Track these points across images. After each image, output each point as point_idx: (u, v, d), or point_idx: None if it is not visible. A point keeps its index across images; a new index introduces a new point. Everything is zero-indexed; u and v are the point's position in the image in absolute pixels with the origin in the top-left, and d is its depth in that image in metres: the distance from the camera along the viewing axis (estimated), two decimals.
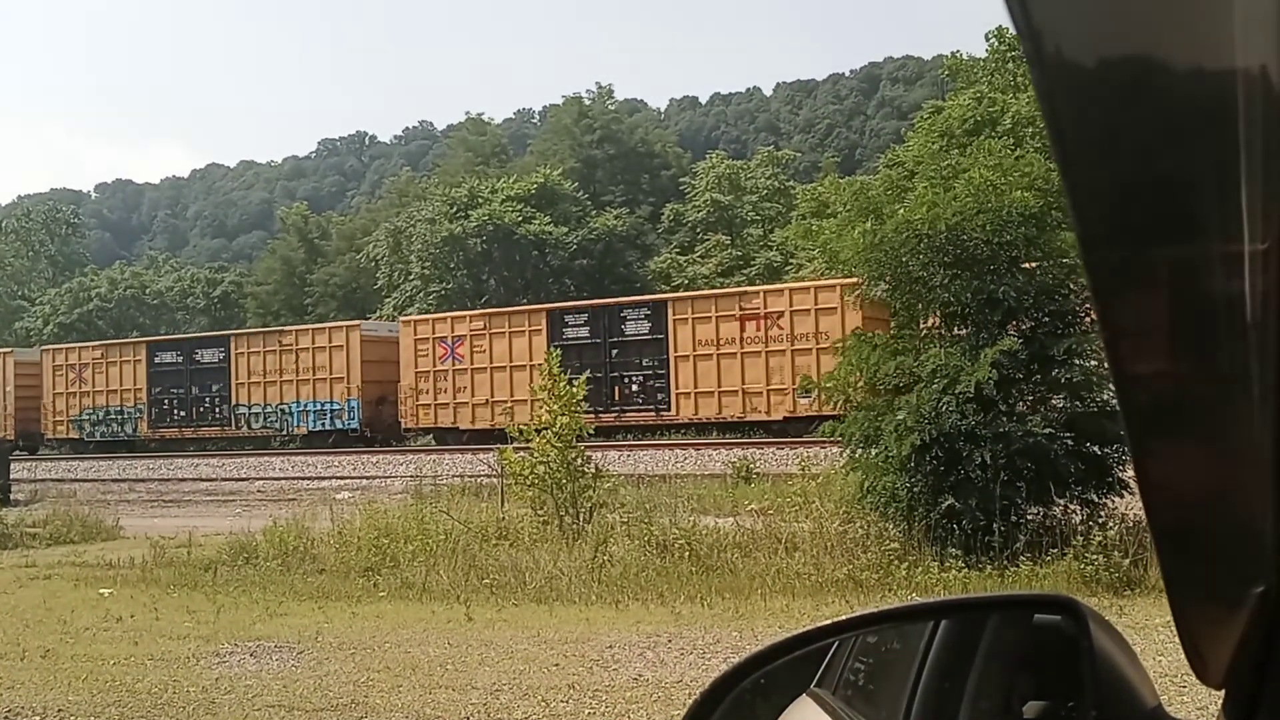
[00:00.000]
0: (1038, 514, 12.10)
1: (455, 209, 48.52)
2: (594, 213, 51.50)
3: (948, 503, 11.78)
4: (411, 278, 50.47)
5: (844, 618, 2.07)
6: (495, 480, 18.25)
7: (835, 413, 29.87)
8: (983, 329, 12.34)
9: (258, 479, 30.81)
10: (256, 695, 8.19)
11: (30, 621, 11.46)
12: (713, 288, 38.85)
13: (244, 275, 70.95)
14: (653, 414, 31.31)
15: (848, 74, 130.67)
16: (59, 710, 8.01)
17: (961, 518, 11.75)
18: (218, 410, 38.30)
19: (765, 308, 29.53)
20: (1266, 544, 0.84)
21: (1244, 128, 0.73)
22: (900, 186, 13.95)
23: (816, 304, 28.70)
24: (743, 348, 29.38)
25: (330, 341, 36.47)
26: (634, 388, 31.38)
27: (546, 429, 14.98)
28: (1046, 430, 11.68)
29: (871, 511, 12.66)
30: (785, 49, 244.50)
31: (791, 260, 40.51)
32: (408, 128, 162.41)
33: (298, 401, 36.56)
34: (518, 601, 11.67)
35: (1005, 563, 11.23)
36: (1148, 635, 6.93)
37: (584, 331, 32.32)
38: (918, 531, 12.08)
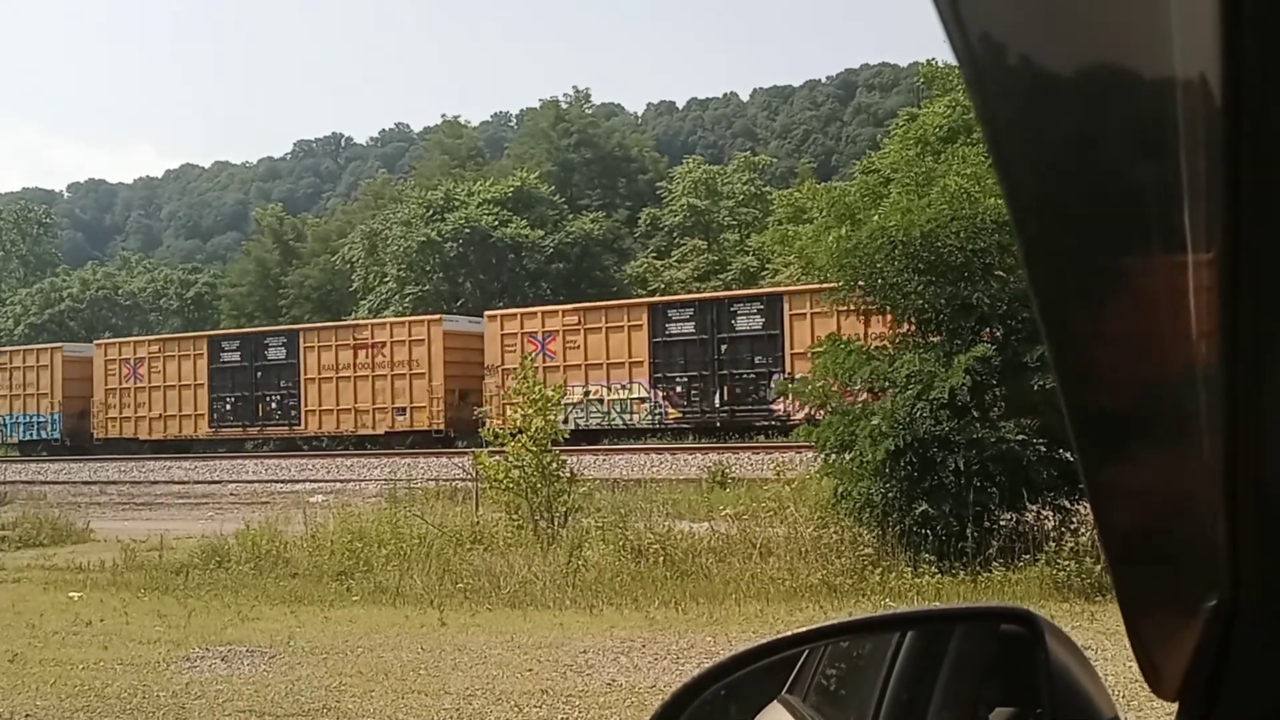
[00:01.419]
0: (1010, 520, 12.16)
1: (431, 212, 48.42)
2: (571, 216, 51.46)
3: (921, 508, 11.84)
4: (387, 280, 50.34)
5: (810, 628, 2.08)
6: (470, 484, 18.21)
7: (427, 428, 32.06)
8: (956, 335, 12.41)
9: (230, 482, 30.64)
10: (227, 700, 8.15)
11: None
12: (690, 292, 39.32)
13: (218, 276, 70.63)
14: (286, 428, 37.27)
15: (824, 80, 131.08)
16: (27, 715, 7.95)
17: (935, 523, 11.81)
18: None
19: (372, 338, 35.65)
20: (1219, 556, 0.85)
21: (1184, 139, 0.74)
22: (876, 193, 14.00)
23: (410, 336, 34.69)
24: (355, 372, 35.29)
25: (38, 361, 41.94)
26: (274, 405, 37.22)
27: (521, 433, 14.96)
28: (1019, 436, 11.75)
29: (846, 517, 12.68)
30: (762, 55, 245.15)
31: (768, 265, 40.62)
32: (384, 130, 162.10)
33: (10, 415, 41.73)
34: (492, 606, 11.64)
35: (978, 568, 11.29)
36: (1118, 641, 6.95)
37: (236, 356, 37.99)
38: (891, 537, 12.12)
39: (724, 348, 29.91)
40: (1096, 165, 0.81)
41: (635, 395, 31.13)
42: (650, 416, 31.10)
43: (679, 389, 30.64)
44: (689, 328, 30.44)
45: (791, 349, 28.11)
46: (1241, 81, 0.69)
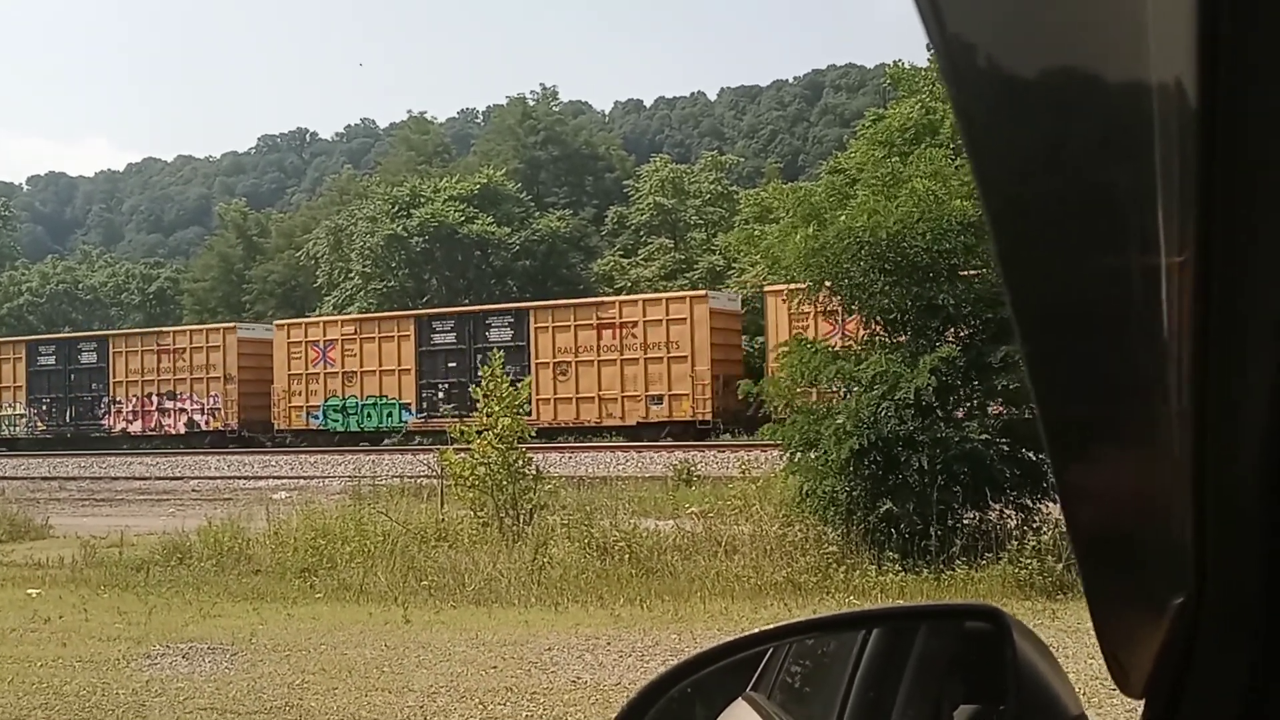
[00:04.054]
0: (974, 518, 12.25)
1: (397, 208, 48.16)
2: (537, 214, 51.36)
3: (886, 507, 11.90)
4: (352, 276, 50.07)
5: (775, 626, 2.09)
6: (435, 481, 18.14)
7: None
8: (922, 336, 12.48)
9: (192, 478, 30.42)
10: (188, 698, 8.08)
11: None
12: (656, 291, 39.34)
13: (180, 271, 70.08)
14: None
15: (791, 80, 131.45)
16: None
17: (899, 522, 11.87)
18: None
19: None
20: (1186, 554, 0.86)
21: (1159, 141, 0.74)
22: (843, 193, 14.03)
23: None
24: None
25: None
26: None
27: (487, 430, 14.91)
28: (983, 436, 11.84)
29: (810, 515, 12.73)
30: (729, 54, 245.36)
31: (734, 265, 40.69)
32: (349, 125, 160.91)
33: None
34: (456, 603, 11.61)
35: (941, 566, 11.36)
36: (1079, 639, 7.03)
37: None
38: (856, 535, 12.18)
39: (73, 377, 41.37)
40: (1072, 166, 0.82)
41: (17, 412, 42.31)
42: (28, 428, 42.26)
43: (44, 406, 41.98)
44: (51, 361, 42.10)
45: (114, 379, 40.53)
46: (1217, 86, 0.69)
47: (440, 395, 34.66)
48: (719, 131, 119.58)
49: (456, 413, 32.66)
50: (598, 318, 32.78)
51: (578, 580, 12.12)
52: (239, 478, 29.63)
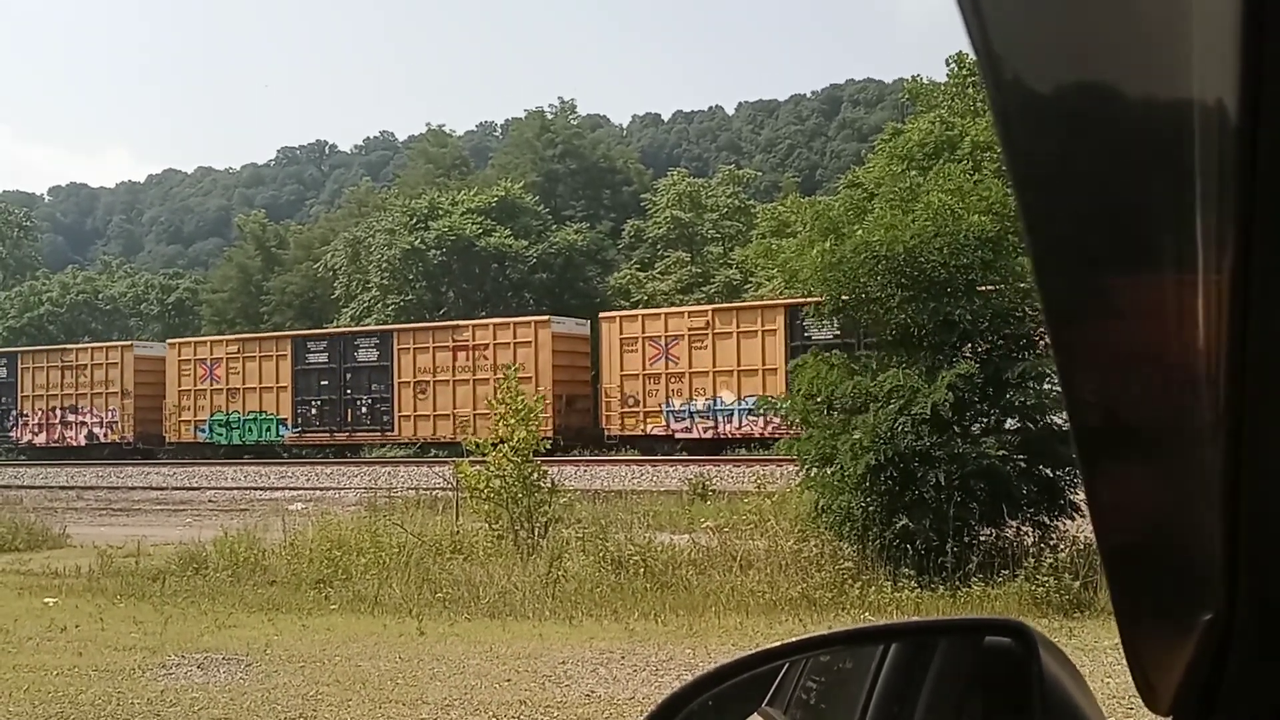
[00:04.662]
0: (990, 535, 12.20)
1: (415, 220, 48.23)
2: (555, 227, 51.34)
3: (902, 523, 11.85)
4: (370, 288, 50.15)
5: (794, 640, 2.07)
6: (450, 493, 18.15)
7: None
8: (938, 351, 12.44)
9: (209, 488, 30.53)
10: (203, 708, 8.09)
11: None
12: (673, 304, 39.50)
13: (199, 282, 70.29)
14: None
15: (809, 95, 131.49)
16: None
17: (915, 538, 11.82)
18: None
19: None
20: (1216, 571, 0.84)
21: (1199, 157, 0.73)
22: (860, 207, 14.03)
23: None
24: None
25: None
26: None
27: (503, 443, 14.90)
28: (1000, 452, 11.79)
29: (826, 530, 12.70)
30: (748, 69, 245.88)
31: (751, 279, 40.68)
32: (368, 138, 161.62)
33: None
34: (470, 616, 11.60)
35: (957, 583, 11.31)
36: (1096, 657, 6.99)
37: None
38: (871, 551, 12.13)
39: None
40: (1107, 178, 0.81)
41: None
42: None
43: None
44: None
45: (22, 393, 42.42)
46: (1260, 104, 0.68)
47: (314, 411, 37.18)
48: (736, 145, 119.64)
49: (327, 429, 36.84)
50: (453, 340, 35.10)
51: (592, 594, 12.09)
52: (255, 488, 29.71)
